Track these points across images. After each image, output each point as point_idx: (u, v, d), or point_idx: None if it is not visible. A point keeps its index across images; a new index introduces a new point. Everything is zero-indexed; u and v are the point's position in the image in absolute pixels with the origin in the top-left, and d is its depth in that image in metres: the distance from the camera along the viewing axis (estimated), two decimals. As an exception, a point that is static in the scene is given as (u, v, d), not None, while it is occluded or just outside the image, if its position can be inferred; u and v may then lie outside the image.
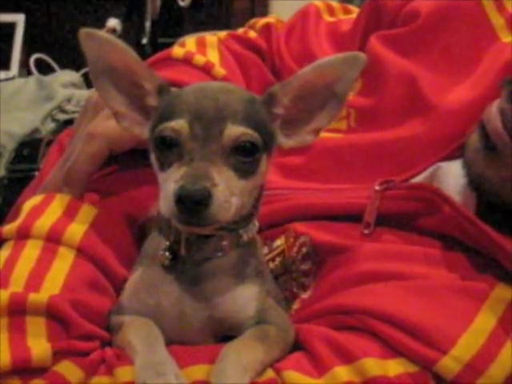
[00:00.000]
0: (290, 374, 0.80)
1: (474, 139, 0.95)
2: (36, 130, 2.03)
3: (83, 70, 2.38)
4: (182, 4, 2.75)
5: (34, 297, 0.81)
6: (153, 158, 0.82)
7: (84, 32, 0.82)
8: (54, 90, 2.21)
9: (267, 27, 1.34)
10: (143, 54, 2.46)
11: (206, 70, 1.17)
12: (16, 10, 2.83)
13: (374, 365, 0.80)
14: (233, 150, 0.78)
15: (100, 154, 0.93)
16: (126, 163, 1.00)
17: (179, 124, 0.78)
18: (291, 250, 1.00)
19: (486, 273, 0.89)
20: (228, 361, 0.78)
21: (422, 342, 0.81)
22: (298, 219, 1.02)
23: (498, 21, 1.10)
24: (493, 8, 1.11)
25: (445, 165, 1.02)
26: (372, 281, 0.90)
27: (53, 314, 0.81)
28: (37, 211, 0.90)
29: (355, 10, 1.38)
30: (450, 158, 1.02)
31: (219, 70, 1.17)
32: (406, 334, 0.82)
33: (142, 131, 0.86)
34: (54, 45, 3.12)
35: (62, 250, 0.87)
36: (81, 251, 0.88)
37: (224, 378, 0.76)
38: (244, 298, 0.86)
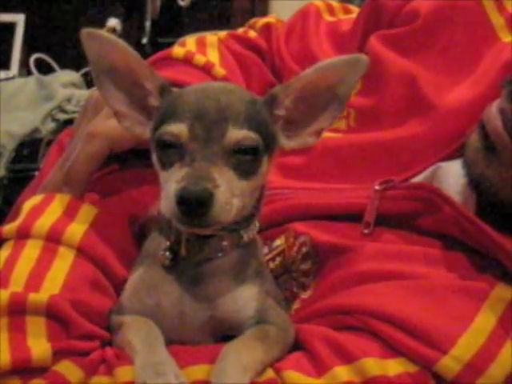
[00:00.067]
0: (290, 374, 0.80)
1: (473, 139, 0.95)
2: (36, 130, 2.03)
3: (83, 70, 2.38)
4: (181, 4, 2.75)
5: (34, 297, 0.81)
6: (154, 157, 0.82)
7: (85, 32, 0.82)
8: (54, 89, 2.21)
9: (267, 27, 1.34)
10: (143, 53, 2.45)
11: (206, 69, 1.17)
12: (16, 10, 2.83)
13: (374, 365, 0.80)
14: (234, 151, 0.78)
15: (100, 154, 0.93)
16: (126, 163, 1.00)
17: (178, 128, 0.78)
18: (291, 250, 1.00)
19: (485, 273, 0.89)
20: (228, 361, 0.78)
21: (421, 342, 0.81)
22: (298, 219, 1.02)
23: (498, 21, 1.10)
24: (493, 8, 1.11)
25: (445, 165, 1.02)
26: (372, 281, 0.90)
27: (53, 313, 0.81)
28: (37, 211, 0.90)
29: (355, 10, 1.38)
30: (450, 157, 1.02)
31: (219, 70, 1.17)
32: (406, 334, 0.82)
33: (143, 131, 0.86)
34: (54, 45, 3.12)
35: (61, 249, 0.87)
36: (81, 251, 0.88)
37: (224, 378, 0.76)
38: (244, 298, 0.86)
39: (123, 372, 0.78)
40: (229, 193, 0.76)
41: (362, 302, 0.87)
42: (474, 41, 1.10)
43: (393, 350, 0.82)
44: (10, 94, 2.23)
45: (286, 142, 0.86)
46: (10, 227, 0.89)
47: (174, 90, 0.85)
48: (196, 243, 0.85)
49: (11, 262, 0.85)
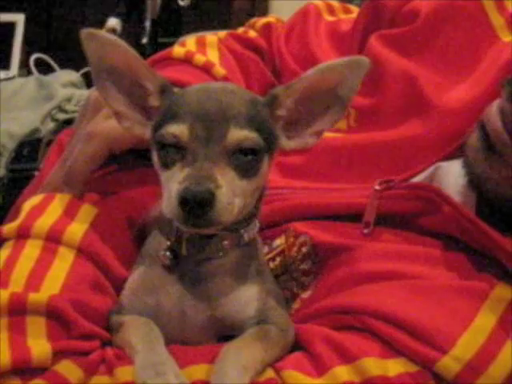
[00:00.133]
0: (290, 374, 0.80)
1: (474, 139, 0.95)
2: (36, 130, 2.03)
3: (83, 70, 2.38)
4: (181, 4, 2.75)
5: (34, 297, 0.81)
6: (155, 157, 0.82)
7: (86, 32, 0.82)
8: (54, 89, 2.21)
9: (267, 27, 1.34)
10: (143, 53, 2.46)
11: (206, 69, 1.17)
12: (16, 10, 2.83)
13: (374, 364, 0.80)
14: (235, 151, 0.78)
15: (100, 154, 0.93)
16: (126, 163, 1.00)
17: (180, 129, 0.78)
18: (291, 250, 1.00)
19: (486, 272, 0.88)
20: (228, 360, 0.78)
21: (422, 342, 0.81)
22: (298, 219, 1.02)
23: (498, 20, 1.10)
24: (493, 8, 1.11)
25: (445, 164, 1.02)
26: (372, 280, 0.90)
27: (53, 313, 0.81)
28: (37, 211, 0.90)
29: (355, 10, 1.38)
30: (449, 157, 1.02)
31: (219, 70, 1.17)
32: (406, 334, 0.82)
33: (143, 131, 0.86)
34: (54, 45, 3.12)
35: (62, 249, 0.87)
36: (81, 251, 0.88)
37: (224, 378, 0.76)
38: (245, 298, 0.86)
39: (123, 372, 0.78)
40: (231, 193, 0.76)
41: (362, 301, 0.87)
42: (474, 41, 1.10)
43: (393, 349, 0.82)
44: (10, 93, 2.23)
45: (286, 143, 0.86)
46: (10, 227, 0.89)
47: (175, 89, 0.85)
48: (197, 243, 0.85)
49: (11, 262, 0.85)
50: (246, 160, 0.79)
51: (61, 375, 0.78)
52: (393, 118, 1.10)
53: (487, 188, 0.94)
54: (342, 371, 0.80)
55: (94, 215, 0.92)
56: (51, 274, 0.85)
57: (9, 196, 1.77)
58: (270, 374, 0.80)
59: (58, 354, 0.79)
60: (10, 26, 2.73)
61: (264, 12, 3.25)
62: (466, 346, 0.80)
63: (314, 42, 1.28)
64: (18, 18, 2.74)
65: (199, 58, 1.18)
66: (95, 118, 0.96)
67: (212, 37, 1.28)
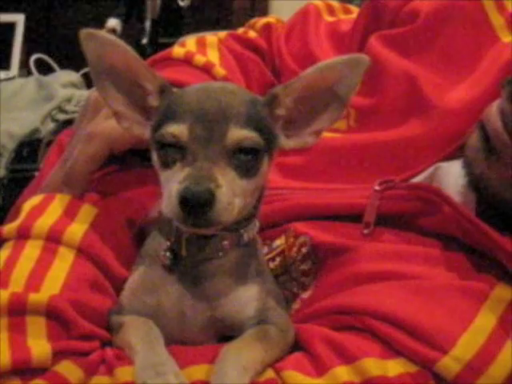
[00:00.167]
0: (290, 374, 0.80)
1: (474, 139, 0.95)
2: (36, 130, 2.03)
3: (83, 70, 2.38)
4: (181, 4, 2.75)
5: (34, 297, 0.81)
6: (154, 157, 0.82)
7: (85, 32, 0.82)
8: (54, 90, 2.21)
9: (267, 27, 1.34)
10: (143, 54, 2.46)
11: (206, 69, 1.17)
12: (16, 10, 2.83)
13: (374, 365, 0.80)
14: (235, 151, 0.78)
15: (100, 154, 0.93)
16: (126, 163, 1.00)
17: (179, 129, 0.78)
18: (291, 250, 1.00)
19: (486, 273, 0.89)
20: (228, 361, 0.78)
21: (422, 342, 0.81)
22: (298, 219, 1.02)
23: (498, 21, 1.10)
24: (493, 8, 1.11)
25: (445, 165, 1.02)
26: (372, 281, 0.90)
27: (53, 313, 0.81)
28: (37, 211, 0.90)
29: (355, 10, 1.38)
30: (450, 157, 1.02)
31: (219, 70, 1.17)
32: (406, 334, 0.82)
33: (143, 131, 0.86)
34: (54, 45, 3.12)
35: (62, 249, 0.87)
36: (81, 251, 0.88)
37: (224, 378, 0.76)
38: (244, 298, 0.86)
39: (123, 372, 0.78)
40: (231, 193, 0.76)
41: (362, 302, 0.87)
42: (474, 41, 1.10)
43: (393, 350, 0.82)
44: (10, 94, 2.23)
45: (285, 142, 0.86)
46: (10, 227, 0.89)
47: (175, 90, 0.85)
48: (196, 243, 0.85)
49: (11, 262, 0.85)
50: (246, 160, 0.79)
51: (61, 375, 0.78)
52: (393, 118, 1.10)
53: (487, 188, 0.94)
54: (342, 371, 0.80)
55: (94, 215, 0.92)
56: (51, 274, 0.85)
57: (9, 196, 1.77)
58: (270, 374, 0.80)
59: (58, 355, 0.79)
60: (10, 27, 2.73)
61: (264, 12, 3.25)
62: (466, 346, 0.80)
63: (313, 42, 1.28)
64: (18, 18, 2.75)
65: (199, 59, 1.18)
66: (95, 119, 0.96)
67: (212, 37, 1.28)
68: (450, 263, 0.91)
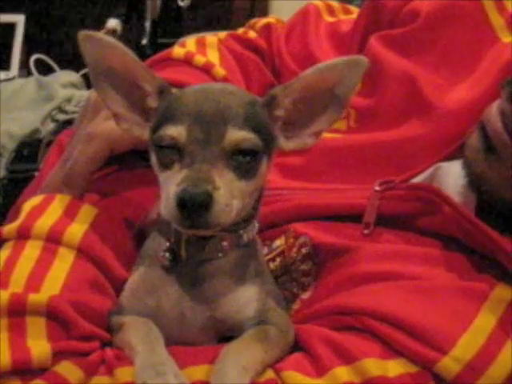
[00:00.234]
0: (290, 375, 0.80)
1: (474, 139, 0.95)
2: (36, 131, 2.03)
3: (83, 71, 2.37)
4: (181, 4, 2.75)
5: (34, 297, 0.81)
6: (153, 158, 0.82)
7: (83, 34, 0.82)
8: (54, 90, 2.21)
9: (267, 27, 1.34)
10: (143, 54, 2.46)
11: (206, 70, 1.17)
12: (16, 10, 2.83)
13: (374, 365, 0.80)
14: (233, 152, 0.78)
15: (100, 155, 0.94)
16: (126, 163, 1.00)
17: (177, 131, 0.78)
18: (291, 251, 1.00)
19: (485, 273, 0.89)
20: (228, 361, 0.78)
21: (422, 343, 0.81)
22: (298, 219, 1.02)
23: (498, 21, 1.11)
24: (493, 8, 1.12)
25: (445, 165, 1.02)
26: (372, 281, 0.90)
27: (53, 314, 0.81)
28: (37, 211, 0.90)
29: (355, 10, 1.38)
30: (450, 158, 1.02)
31: (219, 71, 1.17)
32: (406, 335, 0.82)
33: (142, 132, 0.86)
34: (54, 45, 3.12)
35: (62, 250, 0.87)
36: (81, 251, 0.88)
37: (224, 379, 0.76)
38: (244, 299, 0.86)
39: (123, 372, 0.78)
40: (229, 194, 0.76)
41: (362, 302, 0.87)
42: (474, 41, 1.10)
43: (393, 350, 0.82)
44: (10, 94, 2.23)
45: (285, 143, 0.86)
46: (10, 228, 0.89)
47: (174, 90, 0.85)
48: (196, 244, 0.85)
49: (11, 263, 0.85)
50: (245, 161, 0.78)
51: (61, 376, 0.78)
52: (393, 118, 1.10)
53: (487, 188, 0.94)
54: (341, 372, 0.80)
55: (94, 216, 0.92)
56: (51, 274, 0.85)
57: (9, 196, 1.77)
58: (269, 374, 0.80)
59: (58, 355, 0.79)
60: (10, 27, 2.73)
61: (264, 12, 3.24)
62: (466, 346, 0.80)
63: (313, 42, 1.28)
64: (18, 19, 2.74)
65: (199, 59, 1.18)
66: (95, 119, 0.96)
67: (212, 37, 1.28)
68: (449, 263, 0.91)
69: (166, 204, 0.76)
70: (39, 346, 0.78)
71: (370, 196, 0.98)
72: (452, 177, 1.00)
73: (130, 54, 0.83)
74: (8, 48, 2.69)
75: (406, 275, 0.90)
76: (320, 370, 0.81)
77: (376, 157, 1.08)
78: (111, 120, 0.89)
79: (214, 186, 0.74)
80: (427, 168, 1.03)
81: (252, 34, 1.33)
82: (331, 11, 1.38)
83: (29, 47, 2.82)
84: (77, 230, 0.89)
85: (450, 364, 0.80)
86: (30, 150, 1.93)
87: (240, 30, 1.36)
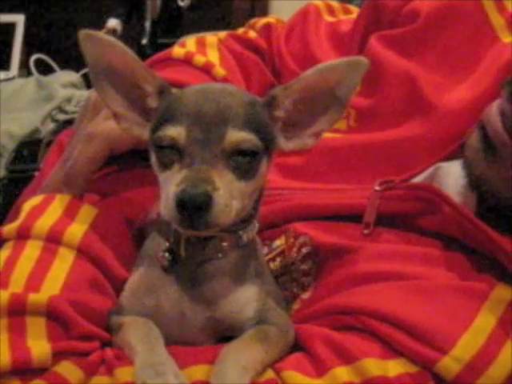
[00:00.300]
0: (290, 375, 0.80)
1: (473, 139, 0.95)
2: (36, 131, 2.03)
3: (83, 71, 2.37)
4: (181, 4, 2.75)
5: (33, 297, 0.81)
6: (153, 158, 0.82)
7: (83, 33, 0.82)
8: (54, 90, 2.21)
9: (267, 27, 1.34)
10: (143, 54, 2.46)
11: (206, 70, 1.17)
12: (16, 10, 2.83)
13: (374, 365, 0.80)
14: (233, 153, 0.78)
15: (100, 155, 0.93)
16: (126, 163, 1.00)
17: (177, 131, 0.78)
18: (291, 251, 1.00)
19: (485, 273, 0.89)
20: (228, 361, 0.78)
21: (422, 342, 0.81)
22: (298, 219, 1.02)
23: (498, 21, 1.10)
24: (493, 8, 1.11)
25: (445, 165, 1.02)
26: (372, 281, 0.90)
27: (53, 314, 0.81)
28: (37, 211, 0.90)
29: (355, 10, 1.38)
30: (450, 158, 1.02)
31: (219, 70, 1.17)
32: (406, 334, 0.82)
33: (142, 132, 0.86)
34: (54, 45, 3.12)
35: (62, 250, 0.87)
36: (81, 251, 0.88)
37: (224, 379, 0.76)
38: (244, 299, 0.86)
39: (123, 372, 0.78)
40: (228, 195, 0.76)
41: (362, 302, 0.87)
42: (474, 41, 1.10)
43: (393, 350, 0.82)
44: (10, 94, 2.23)
45: (285, 144, 0.86)
46: (10, 228, 0.89)
47: (174, 90, 0.85)
48: (195, 244, 0.85)
49: (11, 263, 0.85)
50: (244, 162, 0.78)
51: (61, 376, 0.78)
52: (393, 118, 1.10)
53: (487, 188, 0.94)
54: (341, 372, 0.80)
55: (94, 216, 0.92)
56: (51, 274, 0.85)
57: (9, 196, 1.77)
58: (269, 374, 0.80)
59: (58, 355, 0.79)
60: (10, 27, 2.73)
61: (264, 12, 3.25)
62: (466, 346, 0.80)
63: (314, 42, 1.28)
64: (18, 19, 2.74)
65: (199, 59, 1.18)
66: (95, 119, 0.96)
67: (212, 37, 1.28)
68: (449, 263, 0.91)
69: (165, 204, 0.76)
70: (39, 346, 0.78)
71: (370, 196, 0.98)
72: (452, 177, 1.00)
73: (131, 54, 0.83)
74: (8, 48, 2.70)
75: (406, 275, 0.90)
76: (320, 369, 0.81)
77: (376, 157, 1.08)
78: (111, 120, 0.89)
79: (214, 187, 0.74)
80: (427, 168, 1.03)
81: (252, 34, 1.33)
82: (331, 11, 1.38)
83: (29, 47, 2.82)
84: (77, 230, 0.89)
85: (450, 364, 0.80)
86: (29, 150, 1.93)
87: (240, 30, 1.36)
